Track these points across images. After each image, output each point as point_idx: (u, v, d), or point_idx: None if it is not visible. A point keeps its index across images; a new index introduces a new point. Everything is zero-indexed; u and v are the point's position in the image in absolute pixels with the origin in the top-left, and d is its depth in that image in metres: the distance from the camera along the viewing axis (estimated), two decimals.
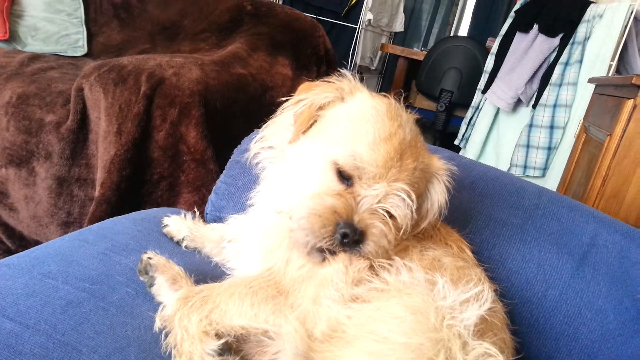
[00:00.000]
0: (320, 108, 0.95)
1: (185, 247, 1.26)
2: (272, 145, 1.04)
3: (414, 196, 0.87)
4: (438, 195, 0.97)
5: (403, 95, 1.00)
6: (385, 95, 0.98)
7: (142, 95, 1.93)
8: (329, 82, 0.98)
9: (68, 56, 2.95)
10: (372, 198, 0.85)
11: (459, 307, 0.78)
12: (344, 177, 0.87)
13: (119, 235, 1.20)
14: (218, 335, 0.85)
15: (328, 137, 0.90)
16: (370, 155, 0.85)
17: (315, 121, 0.95)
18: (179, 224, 1.28)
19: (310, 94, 0.95)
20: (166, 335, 0.88)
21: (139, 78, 1.96)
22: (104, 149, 1.96)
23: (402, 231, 0.88)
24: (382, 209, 0.85)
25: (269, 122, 1.05)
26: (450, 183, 0.98)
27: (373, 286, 0.82)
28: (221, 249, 1.23)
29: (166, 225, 1.28)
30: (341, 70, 1.01)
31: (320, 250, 0.85)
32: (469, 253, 1.04)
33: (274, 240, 0.95)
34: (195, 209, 1.36)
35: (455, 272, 0.92)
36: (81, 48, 3.03)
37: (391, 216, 0.87)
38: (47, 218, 2.11)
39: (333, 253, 0.85)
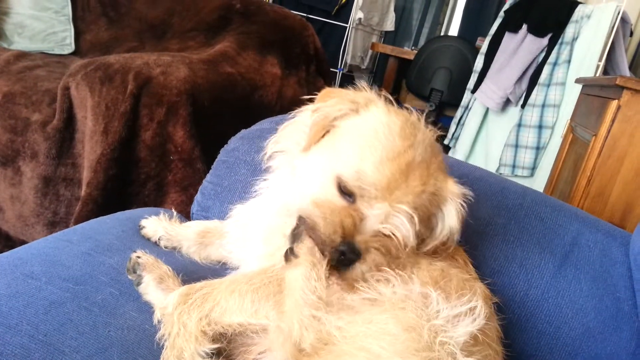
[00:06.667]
0: (335, 119, 0.93)
1: (164, 247, 1.25)
2: (285, 148, 1.02)
3: (416, 219, 0.85)
4: (450, 219, 0.94)
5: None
6: (406, 108, 0.96)
7: (129, 94, 1.91)
8: (347, 92, 0.96)
9: (55, 54, 2.93)
10: (375, 218, 0.84)
11: (452, 322, 0.78)
12: (346, 193, 0.86)
13: (103, 236, 1.19)
14: (213, 339, 0.85)
15: (336, 151, 0.90)
16: (374, 175, 0.84)
17: (328, 132, 0.94)
18: (155, 225, 1.27)
19: (326, 104, 0.94)
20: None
21: (126, 77, 1.95)
22: (90, 148, 1.95)
23: (405, 249, 0.88)
24: (385, 230, 0.85)
25: (286, 124, 1.03)
26: (464, 208, 0.95)
27: (365, 297, 0.80)
28: (198, 246, 1.23)
29: (143, 227, 1.28)
30: (359, 81, 0.98)
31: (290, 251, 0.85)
32: (471, 267, 1.04)
33: (282, 239, 0.93)
34: (173, 209, 1.35)
35: (461, 283, 0.92)
36: (68, 46, 3.01)
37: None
38: (33, 218, 2.09)
39: (296, 257, 0.84)
